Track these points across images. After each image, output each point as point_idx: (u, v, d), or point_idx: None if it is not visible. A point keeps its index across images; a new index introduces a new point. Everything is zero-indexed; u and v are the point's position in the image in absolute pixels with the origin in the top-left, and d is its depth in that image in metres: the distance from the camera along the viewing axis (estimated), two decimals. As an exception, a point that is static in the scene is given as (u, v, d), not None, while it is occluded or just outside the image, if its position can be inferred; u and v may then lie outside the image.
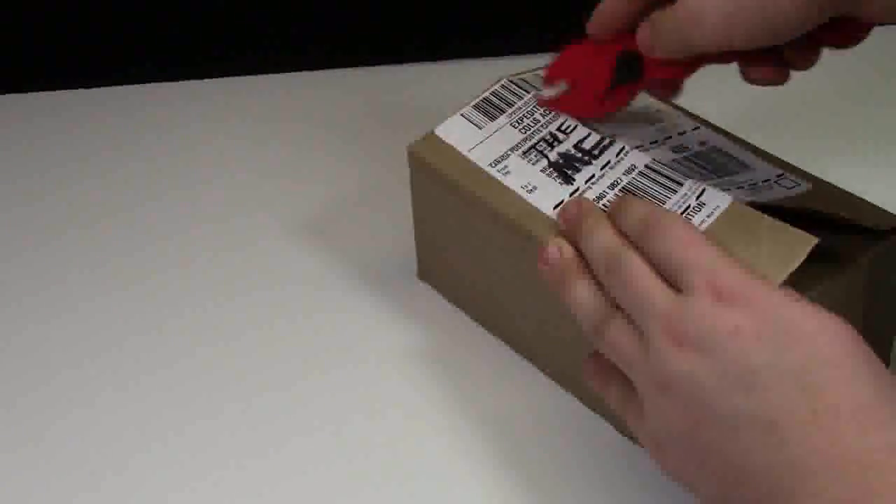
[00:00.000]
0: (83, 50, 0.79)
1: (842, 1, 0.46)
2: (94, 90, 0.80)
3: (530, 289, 0.53)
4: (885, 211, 0.50)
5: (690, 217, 0.48)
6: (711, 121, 0.56)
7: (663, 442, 0.42)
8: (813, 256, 0.45)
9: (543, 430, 0.53)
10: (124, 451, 0.53)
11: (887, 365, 0.54)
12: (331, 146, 0.73)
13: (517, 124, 0.55)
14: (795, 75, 0.79)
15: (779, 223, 0.46)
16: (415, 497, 0.50)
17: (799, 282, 0.44)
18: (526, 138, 0.54)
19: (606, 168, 0.51)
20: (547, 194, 0.51)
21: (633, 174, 0.51)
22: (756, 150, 0.54)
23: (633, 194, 0.50)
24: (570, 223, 0.48)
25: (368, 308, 0.60)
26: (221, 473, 0.51)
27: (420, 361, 0.57)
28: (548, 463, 0.51)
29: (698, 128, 0.55)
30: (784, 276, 0.44)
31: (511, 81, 0.57)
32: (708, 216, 0.47)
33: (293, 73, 0.81)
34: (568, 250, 0.48)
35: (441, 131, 0.56)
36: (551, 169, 0.52)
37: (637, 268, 0.44)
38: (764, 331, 0.40)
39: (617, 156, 0.52)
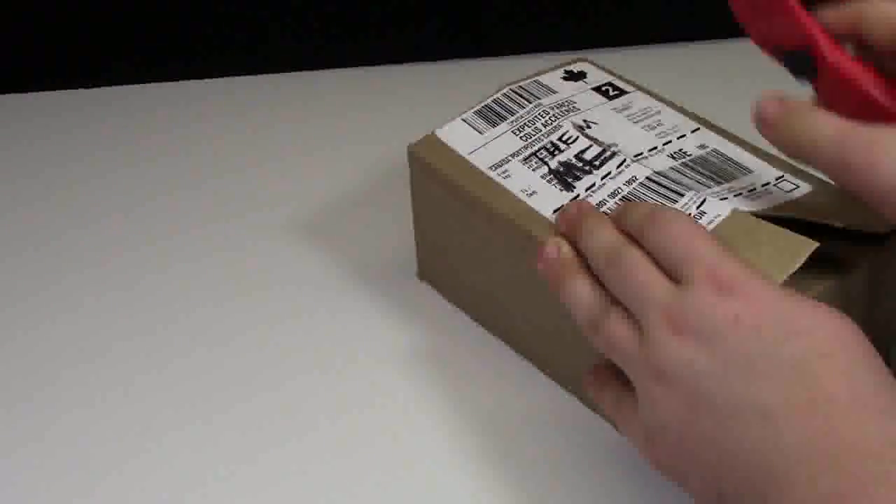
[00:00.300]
0: (83, 50, 0.79)
1: None
2: (94, 90, 0.80)
3: (530, 289, 0.53)
4: (883, 212, 0.50)
5: None
6: (711, 119, 0.56)
7: (656, 432, 0.42)
8: (813, 259, 0.45)
9: (543, 429, 0.53)
10: (124, 450, 0.53)
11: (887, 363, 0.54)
12: (331, 146, 0.73)
13: (518, 132, 0.55)
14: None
15: (779, 228, 0.46)
16: (414, 496, 0.50)
17: (799, 284, 0.44)
18: (527, 146, 0.54)
19: (607, 178, 0.51)
20: (547, 199, 0.51)
21: (635, 184, 0.51)
22: (756, 150, 0.54)
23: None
24: (570, 224, 0.48)
25: (368, 308, 0.60)
26: (221, 473, 0.51)
27: (420, 361, 0.57)
28: (547, 463, 0.51)
29: (698, 129, 0.55)
30: (783, 277, 0.44)
31: (513, 90, 0.57)
32: (709, 223, 0.47)
33: (293, 73, 0.81)
34: (567, 249, 0.48)
35: (442, 133, 0.56)
36: (551, 176, 0.52)
37: (637, 260, 0.44)
38: (763, 322, 0.40)
39: (618, 167, 0.52)
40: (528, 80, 0.58)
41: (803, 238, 0.45)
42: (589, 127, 0.55)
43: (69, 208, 0.69)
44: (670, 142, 0.54)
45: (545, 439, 0.52)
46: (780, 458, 0.38)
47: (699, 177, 0.52)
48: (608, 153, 0.53)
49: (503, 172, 0.53)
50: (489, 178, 0.53)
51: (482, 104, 0.57)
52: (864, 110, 0.44)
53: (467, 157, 0.54)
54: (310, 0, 0.78)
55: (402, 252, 0.62)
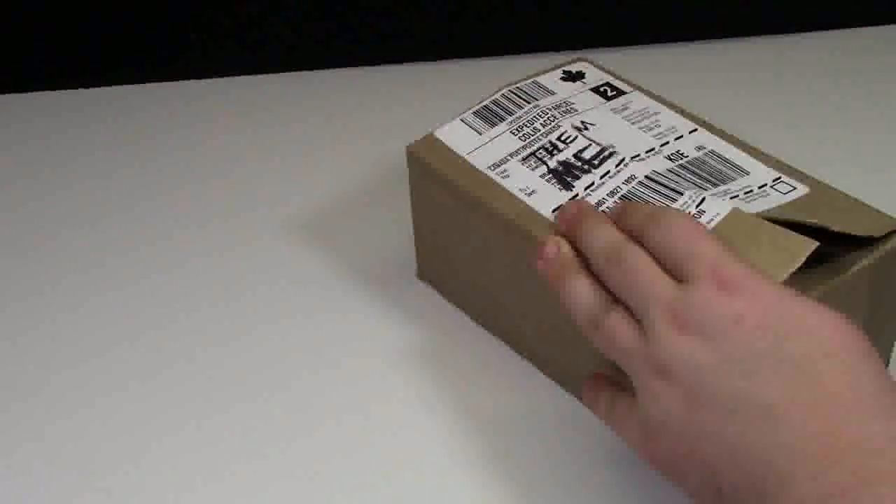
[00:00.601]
0: (83, 50, 0.79)
1: None
2: (94, 90, 0.80)
3: (529, 288, 0.53)
4: (881, 213, 0.50)
5: None
6: (710, 120, 0.56)
7: (656, 428, 0.42)
8: (813, 260, 0.45)
9: (543, 429, 0.53)
10: (123, 450, 0.53)
11: (886, 367, 0.54)
12: (331, 146, 0.73)
13: (517, 132, 0.55)
14: (798, 72, 0.79)
15: (779, 228, 0.46)
16: (413, 496, 0.50)
17: (802, 283, 0.44)
18: (525, 146, 0.54)
19: (606, 177, 0.52)
20: (546, 198, 0.51)
21: (633, 184, 0.51)
22: (753, 152, 0.54)
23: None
24: (569, 223, 0.49)
25: (368, 308, 0.60)
26: (221, 473, 0.51)
27: (419, 361, 0.57)
28: (547, 462, 0.51)
29: (696, 130, 0.55)
30: (784, 277, 0.44)
31: (511, 91, 0.57)
32: (708, 223, 0.47)
33: (293, 73, 0.81)
34: (567, 248, 0.48)
35: (441, 133, 0.56)
36: (550, 175, 0.52)
37: (639, 258, 0.44)
38: (766, 321, 0.40)
39: (617, 166, 0.52)
40: (527, 81, 0.58)
41: (803, 238, 0.45)
42: (587, 128, 0.55)
43: (69, 208, 0.69)
44: (668, 143, 0.54)
45: (545, 439, 0.52)
46: (781, 455, 0.38)
47: (697, 178, 0.52)
48: (607, 152, 0.53)
49: (502, 172, 0.53)
50: (488, 178, 0.53)
51: (481, 104, 0.57)
52: None
53: (466, 157, 0.54)
54: (310, 0, 0.78)
55: (401, 252, 0.62)
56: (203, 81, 0.80)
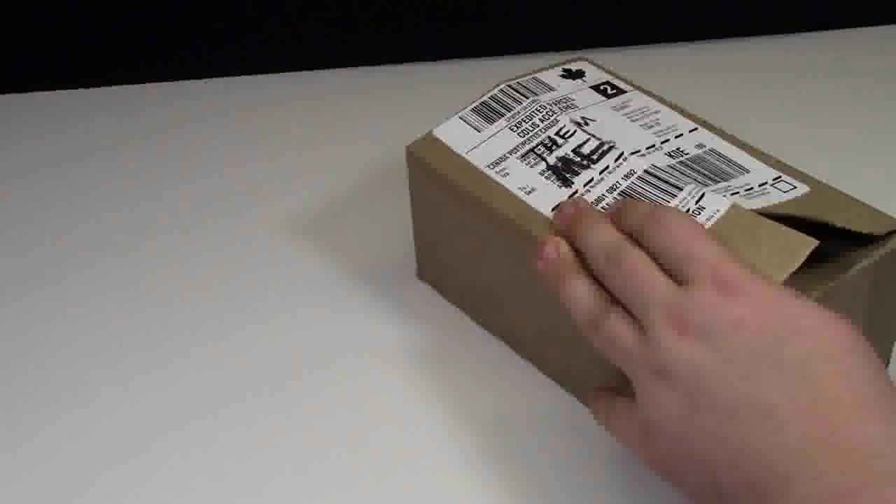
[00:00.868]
0: (83, 50, 0.79)
1: None
2: (94, 90, 0.80)
3: (529, 288, 0.53)
4: (881, 213, 0.50)
5: None
6: (710, 120, 0.56)
7: (655, 430, 0.42)
8: (814, 260, 0.45)
9: (542, 429, 0.53)
10: (123, 449, 0.53)
11: (886, 366, 0.54)
12: (330, 146, 0.73)
13: (515, 128, 0.55)
14: (798, 72, 0.79)
15: (779, 225, 0.46)
16: (413, 496, 0.50)
17: (802, 283, 0.44)
18: (524, 142, 0.54)
19: (605, 172, 0.51)
20: (545, 196, 0.51)
21: (632, 179, 0.51)
22: (753, 151, 0.54)
23: (632, 198, 0.50)
24: (568, 221, 0.48)
25: (367, 307, 0.60)
26: (220, 472, 0.51)
27: (419, 361, 0.57)
28: (546, 462, 0.51)
29: (696, 129, 0.55)
30: (784, 276, 0.44)
31: (509, 86, 0.57)
32: (708, 219, 0.47)
33: (293, 73, 0.81)
34: (566, 248, 0.48)
35: (439, 132, 0.56)
36: (550, 172, 0.52)
37: (639, 259, 0.44)
38: (766, 323, 0.40)
39: (616, 161, 0.52)
40: (526, 77, 0.58)
41: (804, 236, 0.45)
42: (587, 124, 0.55)
43: (69, 208, 0.69)
44: (668, 140, 0.54)
45: (544, 439, 0.52)
46: (781, 457, 0.38)
47: (697, 175, 0.52)
48: (606, 146, 0.53)
49: (501, 170, 0.53)
50: (487, 177, 0.53)
51: (479, 101, 0.57)
52: None
53: (465, 155, 0.54)
54: (309, 0, 0.78)
55: (401, 252, 0.62)
56: (203, 81, 0.80)
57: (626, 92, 0.58)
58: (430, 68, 0.80)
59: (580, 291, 0.46)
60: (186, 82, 0.80)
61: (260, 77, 0.81)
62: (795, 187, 0.51)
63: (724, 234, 0.46)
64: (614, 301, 0.45)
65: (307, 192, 0.69)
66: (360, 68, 0.81)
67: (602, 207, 0.50)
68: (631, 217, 0.46)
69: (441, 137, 0.56)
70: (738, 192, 0.50)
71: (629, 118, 0.56)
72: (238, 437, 0.53)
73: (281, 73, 0.81)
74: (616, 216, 0.47)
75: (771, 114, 0.74)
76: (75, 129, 0.76)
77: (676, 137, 0.55)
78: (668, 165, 0.52)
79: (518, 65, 0.61)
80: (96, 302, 0.62)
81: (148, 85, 0.80)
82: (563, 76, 0.59)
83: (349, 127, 0.75)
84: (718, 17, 0.82)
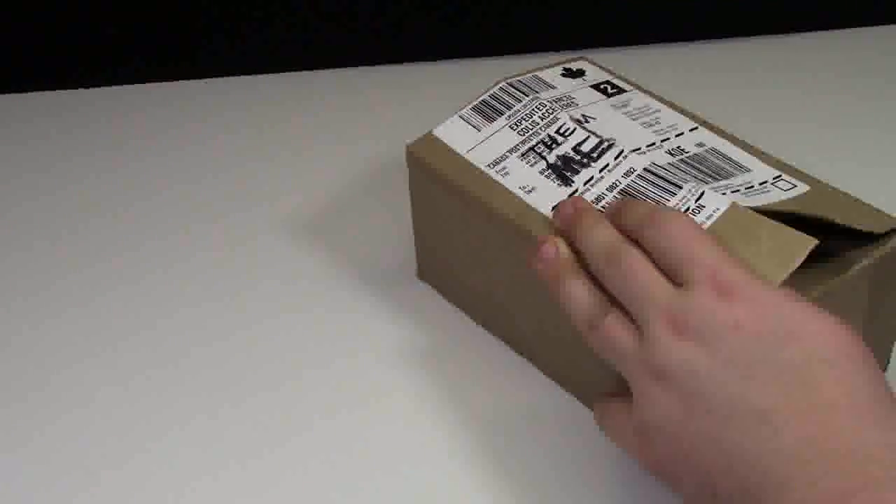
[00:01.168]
0: (83, 50, 0.79)
1: None
2: (94, 90, 0.80)
3: (529, 288, 0.53)
4: (881, 213, 0.50)
5: None
6: (710, 120, 0.56)
7: (652, 432, 0.42)
8: (814, 259, 0.45)
9: (542, 429, 0.53)
10: (123, 449, 0.53)
11: (887, 365, 0.54)
12: (330, 146, 0.73)
13: (515, 126, 0.55)
14: (798, 72, 0.79)
15: (778, 224, 0.46)
16: (413, 496, 0.50)
17: (802, 283, 0.44)
18: (524, 140, 0.54)
19: (605, 171, 0.51)
20: (545, 195, 0.51)
21: (632, 177, 0.51)
22: (754, 151, 0.54)
23: (632, 196, 0.50)
24: (567, 221, 0.48)
25: (368, 308, 0.60)
26: (220, 472, 0.51)
27: (419, 361, 0.57)
28: (546, 462, 0.51)
29: (696, 128, 0.55)
30: (784, 276, 0.44)
31: (509, 84, 0.57)
32: (707, 218, 0.47)
33: (293, 73, 0.81)
34: (565, 248, 0.48)
35: (439, 132, 0.56)
36: (549, 171, 0.52)
37: (638, 260, 0.44)
38: (764, 327, 0.40)
39: (615, 159, 0.52)
40: (527, 75, 0.58)
41: (803, 235, 0.45)
42: (587, 122, 0.55)
43: (69, 208, 0.69)
44: (668, 139, 0.54)
45: (544, 439, 0.52)
46: (777, 461, 0.38)
47: (697, 174, 0.52)
48: (605, 144, 0.53)
49: (501, 170, 0.53)
50: (487, 177, 0.53)
51: (479, 99, 0.57)
52: None
53: (465, 155, 0.54)
54: (309, 0, 0.78)
55: (401, 252, 0.62)
56: (203, 81, 0.80)
57: (626, 91, 0.58)
58: (430, 68, 0.80)
59: (578, 291, 0.46)
60: (186, 82, 0.80)
61: (260, 77, 0.81)
62: (795, 186, 0.51)
63: (723, 232, 0.46)
64: (612, 302, 0.45)
65: (307, 191, 0.69)
66: (360, 68, 0.81)
67: (602, 206, 0.50)
68: (630, 217, 0.46)
69: (441, 137, 0.56)
70: (738, 191, 0.50)
71: (629, 116, 0.56)
72: (238, 437, 0.53)
73: (281, 73, 0.81)
74: (615, 216, 0.47)
75: (771, 113, 0.74)
76: (75, 129, 0.76)
77: (677, 136, 0.55)
78: (669, 163, 0.52)
79: (518, 65, 0.61)
80: (96, 302, 0.62)
81: (148, 85, 0.80)
82: (563, 75, 0.59)
83: (349, 127, 0.75)
84: (718, 17, 0.82)
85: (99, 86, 0.80)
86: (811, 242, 0.45)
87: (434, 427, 0.53)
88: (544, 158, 0.53)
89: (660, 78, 0.62)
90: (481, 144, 0.55)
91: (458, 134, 0.55)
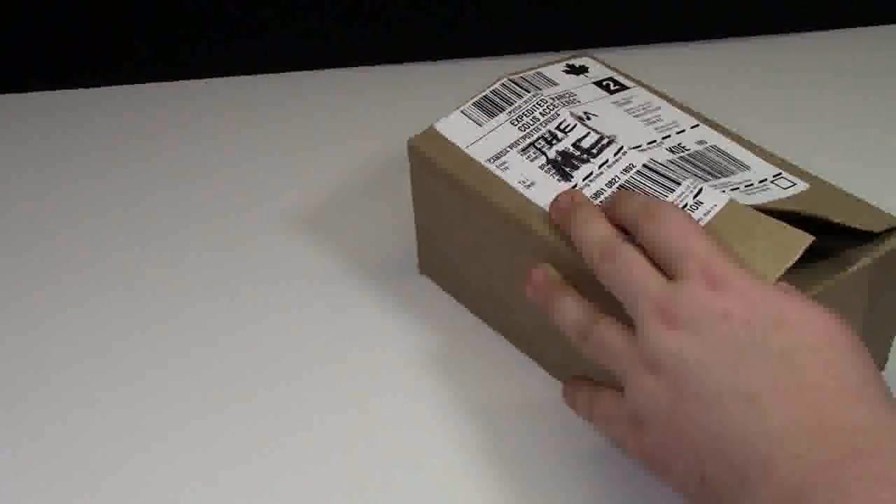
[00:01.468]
0: (83, 50, 0.79)
1: None
2: (94, 90, 0.80)
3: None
4: (881, 211, 0.50)
5: None
6: (711, 117, 0.57)
7: (644, 421, 0.43)
8: (814, 257, 0.45)
9: (542, 424, 0.53)
10: (123, 449, 0.53)
11: (885, 363, 0.54)
12: (331, 145, 0.73)
13: (516, 122, 0.55)
14: (798, 72, 0.79)
15: (776, 222, 0.46)
16: (414, 491, 0.50)
17: (801, 281, 0.44)
18: (525, 136, 0.54)
19: (604, 167, 0.52)
20: (545, 190, 0.51)
21: (631, 173, 0.51)
22: (754, 148, 0.54)
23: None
24: (563, 214, 0.49)
25: (370, 302, 0.60)
26: (220, 472, 0.51)
27: (420, 356, 0.57)
28: (545, 456, 0.51)
29: (697, 125, 0.56)
30: (779, 272, 0.44)
31: (511, 80, 0.57)
32: (705, 214, 0.47)
33: (293, 73, 0.81)
34: (553, 271, 0.49)
35: (441, 127, 0.56)
36: (549, 166, 0.52)
37: (632, 256, 0.44)
38: (753, 316, 0.40)
39: (615, 155, 0.52)
40: (530, 72, 0.59)
41: (800, 232, 0.45)
42: (589, 119, 0.55)
43: (69, 208, 0.69)
44: (669, 136, 0.54)
45: (544, 434, 0.52)
46: (763, 441, 0.38)
47: (697, 171, 0.52)
48: (605, 140, 0.53)
49: (502, 164, 0.53)
50: (488, 171, 0.53)
51: (481, 95, 0.57)
52: None
53: (466, 149, 0.55)
54: (309, 0, 0.78)
55: (403, 247, 0.62)
56: (203, 81, 0.80)
57: (628, 88, 0.58)
58: (430, 68, 0.80)
59: (568, 307, 0.47)
60: (186, 82, 0.80)
61: (260, 77, 0.81)
62: (795, 184, 0.51)
63: (721, 229, 0.46)
64: (601, 312, 0.46)
65: (307, 189, 0.69)
66: (360, 68, 0.81)
67: (600, 201, 0.50)
68: (625, 209, 0.46)
69: (442, 131, 0.56)
70: (737, 188, 0.50)
71: (631, 114, 0.56)
72: (239, 436, 0.53)
73: (281, 73, 0.81)
74: (611, 208, 0.47)
75: (771, 113, 0.74)
76: (75, 129, 0.76)
77: (678, 133, 0.55)
78: (668, 160, 0.52)
79: (518, 65, 0.61)
80: (96, 302, 0.62)
81: (148, 85, 0.80)
82: (566, 71, 0.59)
83: (349, 126, 0.75)
84: (718, 17, 0.82)
85: (99, 86, 0.80)
86: (808, 240, 0.45)
87: (434, 421, 0.53)
88: (544, 154, 0.53)
89: (660, 77, 0.62)
90: (482, 139, 0.55)
91: (459, 128, 0.55)
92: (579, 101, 0.56)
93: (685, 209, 0.48)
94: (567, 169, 0.52)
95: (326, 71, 0.81)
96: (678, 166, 0.52)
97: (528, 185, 0.52)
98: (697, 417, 0.40)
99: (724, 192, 0.49)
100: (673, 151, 0.53)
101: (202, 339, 0.59)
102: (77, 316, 0.61)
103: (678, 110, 0.57)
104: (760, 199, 0.49)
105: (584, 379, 0.49)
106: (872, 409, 0.38)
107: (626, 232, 0.46)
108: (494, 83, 0.57)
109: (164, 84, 0.80)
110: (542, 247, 0.50)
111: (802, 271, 0.45)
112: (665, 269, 0.44)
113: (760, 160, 0.53)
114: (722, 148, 0.54)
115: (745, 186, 0.50)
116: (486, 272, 0.56)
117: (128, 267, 0.64)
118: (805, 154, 0.57)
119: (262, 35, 0.80)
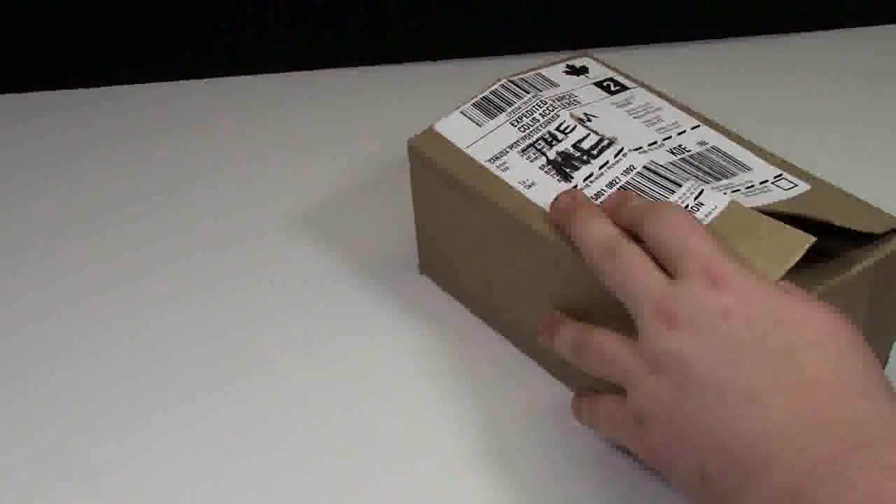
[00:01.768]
0: (83, 50, 0.79)
1: None
2: (94, 90, 0.80)
3: (528, 282, 0.53)
4: (881, 211, 0.50)
5: None
6: (711, 117, 0.57)
7: (646, 420, 0.43)
8: (818, 258, 0.45)
9: (542, 424, 0.53)
10: (123, 449, 0.53)
11: (885, 364, 0.54)
12: (331, 145, 0.73)
13: (516, 123, 0.55)
14: (798, 72, 0.79)
15: (777, 222, 0.46)
16: (414, 491, 0.50)
17: (803, 282, 0.44)
18: (525, 137, 0.54)
19: (605, 168, 0.52)
20: (545, 190, 0.51)
21: (632, 174, 0.51)
22: (755, 149, 0.54)
23: None
24: (563, 213, 0.49)
25: (370, 302, 0.60)
26: (221, 471, 0.51)
27: (420, 355, 0.57)
28: (546, 457, 0.51)
29: (698, 126, 0.56)
30: (780, 273, 0.44)
31: (511, 81, 0.58)
32: (706, 216, 0.47)
33: (293, 73, 0.81)
34: (553, 310, 0.50)
35: (441, 127, 0.56)
36: (549, 167, 0.52)
37: (632, 254, 0.45)
38: (753, 314, 0.41)
39: (615, 156, 0.52)
40: (530, 73, 0.59)
41: (801, 233, 0.45)
42: (589, 120, 0.55)
43: (69, 208, 0.69)
44: (670, 137, 0.54)
45: (544, 434, 0.52)
46: (765, 436, 0.38)
47: (698, 172, 0.52)
48: (605, 142, 0.53)
49: (502, 164, 0.53)
50: (488, 171, 0.53)
51: (480, 96, 0.57)
52: None
53: (466, 149, 0.55)
54: (310, 0, 0.78)
55: (403, 247, 0.62)
56: (203, 81, 0.80)
57: (629, 88, 0.58)
58: (430, 68, 0.80)
59: (566, 333, 0.48)
60: (186, 82, 0.80)
61: (260, 77, 0.81)
62: (796, 185, 0.51)
63: (722, 230, 0.46)
64: (595, 323, 0.46)
65: (307, 190, 0.69)
66: (359, 68, 0.81)
67: (600, 202, 0.50)
68: (627, 210, 0.47)
69: (442, 132, 0.56)
70: (738, 190, 0.50)
71: (632, 115, 0.56)
72: (240, 436, 0.53)
73: (281, 73, 0.81)
74: (612, 208, 0.47)
75: (771, 113, 0.74)
76: (75, 129, 0.76)
77: (679, 134, 0.55)
78: (669, 162, 0.52)
79: (518, 64, 0.61)
80: (96, 302, 0.61)
81: (148, 85, 0.80)
82: (566, 72, 0.59)
83: (349, 126, 0.75)
84: (718, 17, 0.82)
85: (99, 86, 0.80)
86: (809, 240, 0.45)
87: (434, 421, 0.53)
88: (544, 154, 0.53)
89: (660, 77, 0.62)
90: (482, 139, 0.55)
91: (459, 129, 0.55)
92: (579, 103, 0.56)
93: (687, 210, 0.48)
94: (567, 170, 0.52)
95: (326, 71, 0.81)
96: (679, 168, 0.52)
97: (529, 186, 0.52)
98: (699, 415, 0.40)
99: (725, 193, 0.49)
100: (674, 153, 0.53)
101: (202, 339, 0.59)
102: (77, 316, 0.61)
103: (679, 111, 0.57)
104: (761, 200, 0.49)
105: (584, 391, 0.50)
106: (874, 403, 0.38)
107: (627, 232, 0.46)
108: (494, 84, 0.57)
109: (164, 84, 0.80)
110: (542, 247, 0.50)
111: (804, 272, 0.45)
112: (666, 268, 0.44)
113: (761, 161, 0.53)
114: (723, 149, 0.54)
115: (746, 188, 0.51)
116: (486, 272, 0.56)
117: (127, 267, 0.64)
118: (805, 154, 0.57)
119: (262, 35, 0.80)
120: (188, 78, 0.80)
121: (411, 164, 0.57)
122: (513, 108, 0.56)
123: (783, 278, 0.44)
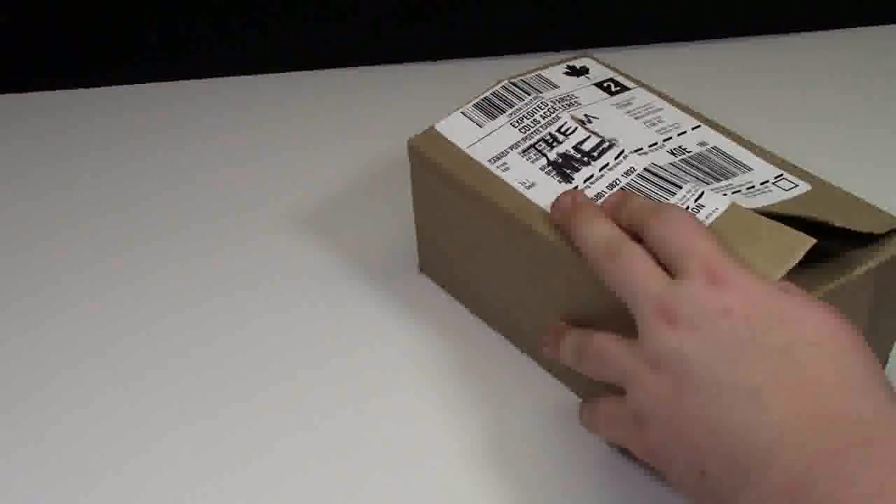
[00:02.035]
0: (83, 50, 0.79)
1: None
2: (94, 90, 0.80)
3: (528, 282, 0.53)
4: (882, 212, 0.50)
5: None
6: (711, 118, 0.57)
7: (646, 418, 0.43)
8: (820, 259, 0.45)
9: (542, 424, 0.53)
10: (123, 449, 0.53)
11: (885, 364, 0.54)
12: (331, 145, 0.73)
13: (517, 124, 0.55)
14: (798, 72, 0.79)
15: (777, 224, 0.46)
16: (414, 491, 0.50)
17: (805, 283, 0.44)
18: (525, 138, 0.54)
19: (605, 169, 0.52)
20: (545, 191, 0.51)
21: (633, 176, 0.51)
22: (755, 149, 0.54)
23: None
24: (564, 213, 0.49)
25: (370, 302, 0.60)
26: (222, 471, 0.51)
27: (420, 355, 0.57)
28: (546, 457, 0.51)
29: (698, 126, 0.56)
30: (780, 274, 0.44)
31: (512, 83, 0.58)
32: (706, 217, 0.48)
33: (293, 73, 0.81)
34: (558, 320, 0.50)
35: (441, 127, 0.56)
36: (550, 168, 0.52)
37: (634, 253, 0.45)
38: (754, 313, 0.41)
39: (616, 158, 0.52)
40: (530, 74, 0.59)
41: (801, 234, 0.45)
42: (590, 122, 0.55)
43: (69, 208, 0.69)
44: (670, 138, 0.54)
45: (543, 433, 0.52)
46: (765, 433, 0.38)
47: (698, 173, 0.52)
48: (606, 143, 0.53)
49: (502, 165, 0.53)
50: (488, 171, 0.53)
51: (481, 97, 0.57)
52: None
53: (467, 150, 0.55)
54: (310, 0, 0.78)
55: (403, 247, 0.62)
56: (203, 81, 0.80)
57: (629, 89, 0.58)
58: (430, 68, 0.80)
59: (567, 341, 0.48)
60: (186, 82, 0.80)
61: (260, 77, 0.81)
62: (797, 185, 0.51)
63: (722, 231, 0.46)
64: (592, 327, 0.47)
65: (307, 190, 0.69)
66: (359, 68, 0.81)
67: (601, 202, 0.50)
68: (628, 210, 0.47)
69: (443, 132, 0.56)
70: (739, 191, 0.50)
71: (632, 116, 0.56)
72: (240, 436, 0.53)
73: (281, 73, 0.81)
74: (613, 208, 0.48)
75: (771, 113, 0.74)
76: (75, 129, 0.76)
77: (679, 135, 0.55)
78: (669, 163, 0.52)
79: (518, 65, 0.61)
80: (96, 302, 0.61)
81: (148, 85, 0.80)
82: (566, 73, 0.59)
83: (349, 126, 0.75)
84: (718, 17, 0.82)
85: (99, 86, 0.80)
86: (809, 242, 0.45)
87: (433, 421, 0.53)
88: (545, 156, 0.53)
89: (660, 78, 0.62)
90: (483, 140, 0.55)
91: (459, 129, 0.55)
92: (580, 104, 0.56)
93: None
94: (568, 171, 0.52)
95: (326, 71, 0.81)
96: (679, 169, 0.52)
97: (529, 186, 0.52)
98: (698, 413, 0.40)
99: (725, 194, 0.49)
100: (674, 154, 0.53)
101: (202, 339, 0.59)
102: (77, 316, 0.61)
103: (679, 111, 0.57)
104: (762, 201, 0.49)
105: (592, 397, 0.50)
106: (874, 401, 0.39)
107: (628, 233, 0.46)
108: (495, 85, 0.57)
109: (164, 84, 0.80)
110: (542, 247, 0.50)
111: (805, 274, 0.45)
112: (668, 267, 0.44)
113: (762, 161, 0.53)
114: (723, 149, 0.54)
115: (747, 189, 0.51)
116: (487, 272, 0.56)
117: (127, 267, 0.64)
118: (805, 154, 0.57)
119: (262, 35, 0.80)
120: (188, 78, 0.80)
121: (411, 164, 0.57)
122: (513, 109, 0.56)
123: (784, 279, 0.44)
